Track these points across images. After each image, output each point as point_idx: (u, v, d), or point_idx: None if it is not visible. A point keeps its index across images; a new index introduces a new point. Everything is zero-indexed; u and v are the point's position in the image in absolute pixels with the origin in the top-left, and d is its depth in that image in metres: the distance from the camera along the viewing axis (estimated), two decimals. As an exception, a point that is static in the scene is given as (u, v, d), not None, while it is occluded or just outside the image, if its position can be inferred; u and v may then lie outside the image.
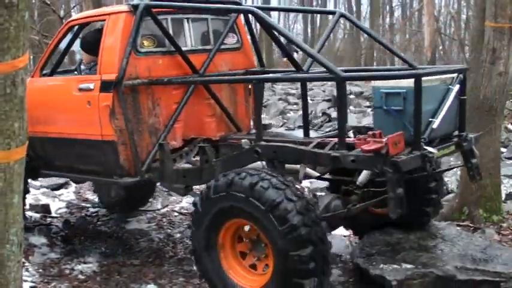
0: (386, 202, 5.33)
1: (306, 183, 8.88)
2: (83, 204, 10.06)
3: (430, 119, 5.79)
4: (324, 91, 23.70)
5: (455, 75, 6.12)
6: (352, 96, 21.22)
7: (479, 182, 7.68)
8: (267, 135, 6.87)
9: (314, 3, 52.44)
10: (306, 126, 7.10)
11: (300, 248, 5.14)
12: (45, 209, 9.37)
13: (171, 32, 7.01)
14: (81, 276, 7.05)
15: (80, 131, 6.93)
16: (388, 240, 6.59)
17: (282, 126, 17.91)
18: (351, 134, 6.35)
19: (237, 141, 7.04)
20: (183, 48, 7.07)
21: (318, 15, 52.83)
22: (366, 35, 42.33)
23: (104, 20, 6.91)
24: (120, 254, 7.77)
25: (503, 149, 13.42)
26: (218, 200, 5.61)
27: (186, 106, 7.05)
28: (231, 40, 7.80)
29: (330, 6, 54.86)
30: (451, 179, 9.86)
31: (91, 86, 6.75)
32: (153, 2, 6.79)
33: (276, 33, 7.27)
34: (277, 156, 5.90)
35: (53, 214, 9.39)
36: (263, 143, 6.04)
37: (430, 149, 5.50)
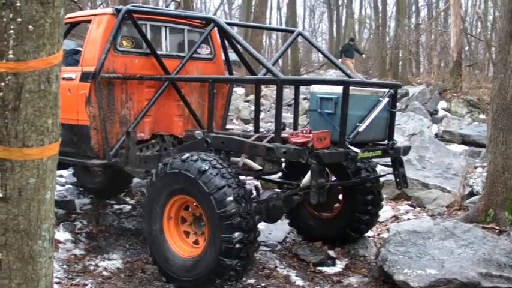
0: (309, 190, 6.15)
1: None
2: (107, 201, 10.08)
3: (358, 124, 6.51)
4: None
5: (386, 90, 6.87)
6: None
7: (506, 184, 7.68)
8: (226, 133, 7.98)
9: (340, 4, 52.41)
10: (257, 124, 8.17)
11: (231, 233, 5.83)
12: (70, 206, 9.40)
13: (149, 36, 7.90)
14: (105, 273, 7.06)
15: (60, 116, 7.34)
16: (413, 241, 6.56)
17: (306, 125, 17.85)
18: (293, 131, 6.97)
19: (192, 132, 7.88)
20: (159, 52, 7.96)
21: (343, 15, 52.84)
22: (391, 35, 42.31)
23: (91, 21, 7.80)
24: (144, 251, 7.76)
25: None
26: (171, 176, 6.32)
27: (157, 104, 7.97)
28: (205, 51, 8.75)
29: (356, 7, 54.80)
30: (477, 181, 9.80)
31: (73, 76, 7.64)
32: (133, 8, 7.72)
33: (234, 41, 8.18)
34: (223, 146, 6.82)
35: (78, 210, 9.42)
36: (213, 134, 6.97)
37: (353, 148, 6.26)
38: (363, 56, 35.51)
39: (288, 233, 8.46)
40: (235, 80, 9.43)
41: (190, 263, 6.27)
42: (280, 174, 8.12)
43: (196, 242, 6.46)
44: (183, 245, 6.49)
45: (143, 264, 7.35)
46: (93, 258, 7.49)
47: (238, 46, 8.46)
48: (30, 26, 3.25)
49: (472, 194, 9.67)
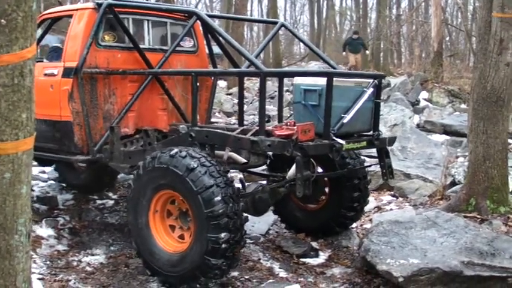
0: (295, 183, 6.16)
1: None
2: (90, 196, 10.06)
3: (342, 115, 6.52)
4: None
5: (371, 80, 6.85)
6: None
7: (487, 173, 7.73)
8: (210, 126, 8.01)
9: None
10: (241, 116, 8.06)
11: (218, 233, 5.82)
12: (52, 201, 9.37)
13: (131, 30, 7.90)
14: (88, 268, 7.05)
15: (42, 112, 7.39)
16: (395, 231, 6.58)
17: (289, 117, 17.85)
18: (277, 124, 6.95)
19: (176, 127, 7.89)
20: (141, 46, 7.96)
21: (324, 6, 52.86)
22: (372, 26, 42.40)
23: (72, 15, 7.76)
24: (127, 246, 7.77)
25: (510, 140, 13.40)
26: (159, 171, 6.28)
27: (141, 99, 7.95)
28: (188, 44, 8.74)
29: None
30: (458, 171, 9.85)
31: (55, 71, 7.64)
32: (115, 2, 7.60)
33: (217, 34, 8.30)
34: (208, 140, 6.80)
35: (60, 206, 9.38)
36: (196, 128, 6.96)
37: (338, 140, 6.28)
38: (367, 52, 33.50)
39: (271, 225, 8.48)
40: (219, 73, 9.44)
41: (175, 258, 6.25)
42: (265, 166, 8.06)
43: (181, 237, 6.45)
44: (168, 239, 6.47)
45: (126, 259, 7.35)
46: (76, 254, 7.49)
47: (221, 39, 8.48)
48: (2, 20, 3.25)
49: (453, 183, 9.71)
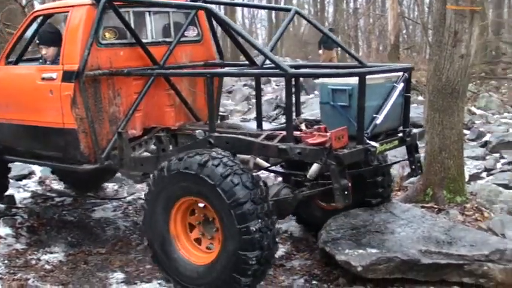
0: (333, 193, 5.59)
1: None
2: (48, 194, 9.99)
3: (374, 115, 6.05)
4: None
5: (400, 73, 6.40)
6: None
7: (443, 164, 7.83)
8: (223, 125, 7.19)
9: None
10: (259, 118, 7.19)
11: (246, 221, 5.41)
12: (9, 200, 9.26)
13: (132, 24, 7.28)
14: (47, 266, 7.02)
15: (43, 119, 7.15)
16: (353, 223, 6.64)
17: (247, 111, 17.90)
18: (303, 126, 6.52)
19: (192, 131, 7.35)
20: (144, 41, 7.36)
21: (282, 1, 52.88)
22: (330, 20, 42.60)
23: (68, 12, 7.08)
24: (86, 243, 7.76)
25: (466, 131, 13.61)
26: (171, 178, 5.87)
27: (147, 96, 7.34)
28: (192, 33, 8.11)
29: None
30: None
31: (53, 75, 6.97)
32: None
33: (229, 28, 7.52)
34: (228, 147, 6.12)
35: (18, 205, 9.29)
36: (216, 134, 6.31)
37: (372, 143, 5.81)
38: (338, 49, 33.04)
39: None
40: (237, 74, 8.73)
41: (201, 269, 5.89)
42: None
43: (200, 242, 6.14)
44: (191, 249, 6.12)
45: (86, 256, 7.34)
46: (35, 252, 7.45)
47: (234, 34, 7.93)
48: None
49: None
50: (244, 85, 23.24)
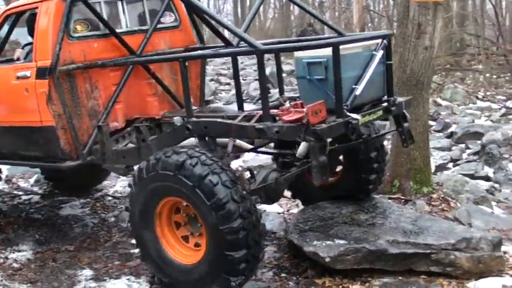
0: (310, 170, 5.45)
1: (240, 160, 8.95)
2: (15, 192, 9.91)
3: (354, 86, 5.79)
4: (255, 70, 23.69)
5: (379, 41, 6.13)
6: (284, 75, 21.29)
7: (409, 155, 7.88)
8: (205, 110, 7.05)
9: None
10: (240, 100, 6.95)
11: (229, 222, 5.24)
12: (-25, 199, 9.22)
13: (105, 15, 7.12)
14: (15, 265, 7.01)
15: (21, 119, 7.05)
16: (321, 215, 6.67)
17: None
18: (287, 104, 6.25)
19: (170, 119, 7.12)
20: (119, 30, 7.18)
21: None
22: (295, 14, 42.65)
23: (37, 8, 6.93)
24: (54, 240, 7.74)
25: (432, 122, 13.74)
26: (150, 180, 5.70)
27: (127, 87, 7.16)
28: (169, 19, 7.87)
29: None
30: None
31: (28, 73, 6.84)
32: None
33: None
34: (207, 131, 6.02)
35: (-16, 204, 9.24)
36: (194, 119, 6.12)
37: (353, 115, 5.55)
38: None
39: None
40: (209, 55, 8.26)
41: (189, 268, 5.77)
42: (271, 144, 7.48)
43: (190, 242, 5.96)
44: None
45: (54, 253, 7.32)
46: (3, 251, 7.43)
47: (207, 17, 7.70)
48: None
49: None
50: (211, 80, 23.18)
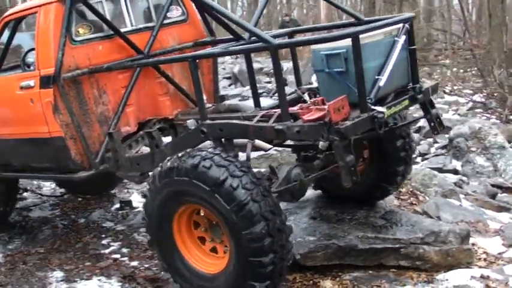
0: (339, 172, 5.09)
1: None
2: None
3: (376, 77, 5.44)
4: (224, 69, 23.67)
5: (400, 25, 5.78)
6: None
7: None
8: (220, 108, 6.67)
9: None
10: (256, 97, 6.36)
11: (252, 225, 4.93)
12: None
13: (107, 15, 6.80)
14: (-15, 268, 6.96)
15: (29, 130, 6.74)
16: (290, 211, 6.67)
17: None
18: (306, 96, 6.10)
19: (183, 121, 6.79)
20: (123, 30, 6.84)
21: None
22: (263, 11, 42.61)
23: (36, 13, 6.59)
24: (24, 243, 7.71)
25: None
26: (165, 187, 5.42)
27: (137, 88, 6.86)
28: (176, 13, 7.54)
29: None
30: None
31: (31, 83, 6.53)
32: None
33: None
34: (223, 134, 5.74)
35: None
36: (208, 122, 5.81)
37: (378, 108, 5.23)
38: None
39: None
40: (219, 53, 7.50)
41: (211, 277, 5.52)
42: None
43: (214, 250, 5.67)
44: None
45: (24, 256, 7.29)
46: (-28, 254, 7.36)
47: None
48: None
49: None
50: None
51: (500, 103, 16.33)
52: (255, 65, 22.71)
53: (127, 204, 8.78)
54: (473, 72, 21.04)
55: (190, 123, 6.31)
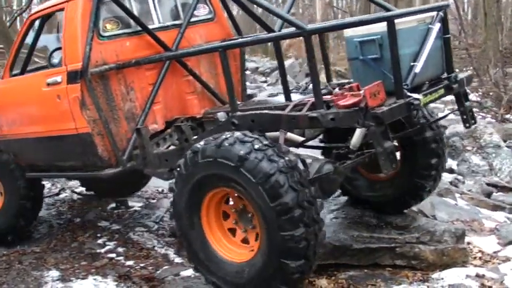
0: (377, 160, 4.95)
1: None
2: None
3: (412, 63, 5.33)
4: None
5: (434, 13, 5.64)
6: (248, 72, 21.37)
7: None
8: (249, 104, 6.54)
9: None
10: (286, 89, 6.15)
11: (280, 196, 4.81)
12: None
13: (135, 11, 6.75)
14: (-20, 268, 6.95)
15: (55, 127, 6.69)
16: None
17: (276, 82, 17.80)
18: (337, 91, 5.65)
19: (213, 116, 6.68)
20: (151, 27, 6.79)
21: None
22: (259, 12, 42.65)
23: (63, 9, 6.55)
24: (20, 242, 7.68)
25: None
26: (205, 167, 5.27)
27: (164, 86, 6.77)
28: (203, 11, 7.49)
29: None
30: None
31: (58, 79, 6.48)
32: None
33: None
34: (255, 125, 5.53)
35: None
36: (239, 113, 5.72)
37: (414, 95, 5.12)
38: None
39: (165, 212, 8.43)
40: (252, 42, 7.56)
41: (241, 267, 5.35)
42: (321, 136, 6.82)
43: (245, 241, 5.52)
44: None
45: (20, 255, 7.29)
46: (-32, 254, 7.35)
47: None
48: None
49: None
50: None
51: (496, 102, 16.38)
52: (251, 65, 22.98)
53: (122, 203, 8.80)
54: (469, 71, 21.07)
55: (221, 115, 6.30)
